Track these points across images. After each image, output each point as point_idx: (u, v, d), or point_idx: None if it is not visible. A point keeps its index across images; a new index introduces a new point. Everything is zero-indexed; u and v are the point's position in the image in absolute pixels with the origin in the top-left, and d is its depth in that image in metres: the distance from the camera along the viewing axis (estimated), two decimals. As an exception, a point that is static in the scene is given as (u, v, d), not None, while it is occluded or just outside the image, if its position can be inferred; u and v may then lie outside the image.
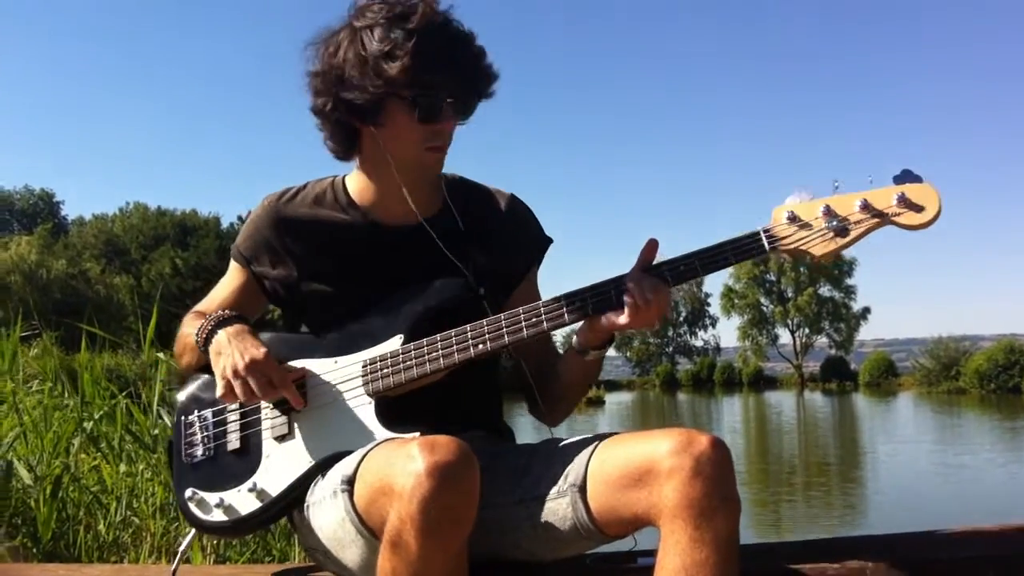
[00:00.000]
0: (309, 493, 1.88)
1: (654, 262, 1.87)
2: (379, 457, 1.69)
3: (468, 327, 1.88)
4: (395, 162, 1.97)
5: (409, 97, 1.88)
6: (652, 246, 1.87)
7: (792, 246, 1.80)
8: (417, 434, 1.79)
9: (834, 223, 1.78)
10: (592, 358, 2.00)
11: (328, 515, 1.78)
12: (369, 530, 1.70)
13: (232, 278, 2.14)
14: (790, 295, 78.16)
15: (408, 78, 1.84)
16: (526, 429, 2.26)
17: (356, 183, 2.08)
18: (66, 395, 4.71)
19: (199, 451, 2.00)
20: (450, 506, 1.54)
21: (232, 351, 1.88)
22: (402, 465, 1.58)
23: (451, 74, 1.87)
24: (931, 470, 16.94)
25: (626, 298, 1.82)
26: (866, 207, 1.76)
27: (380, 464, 1.67)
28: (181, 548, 2.06)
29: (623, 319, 1.83)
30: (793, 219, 1.80)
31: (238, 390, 1.85)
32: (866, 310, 79.08)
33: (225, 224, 60.53)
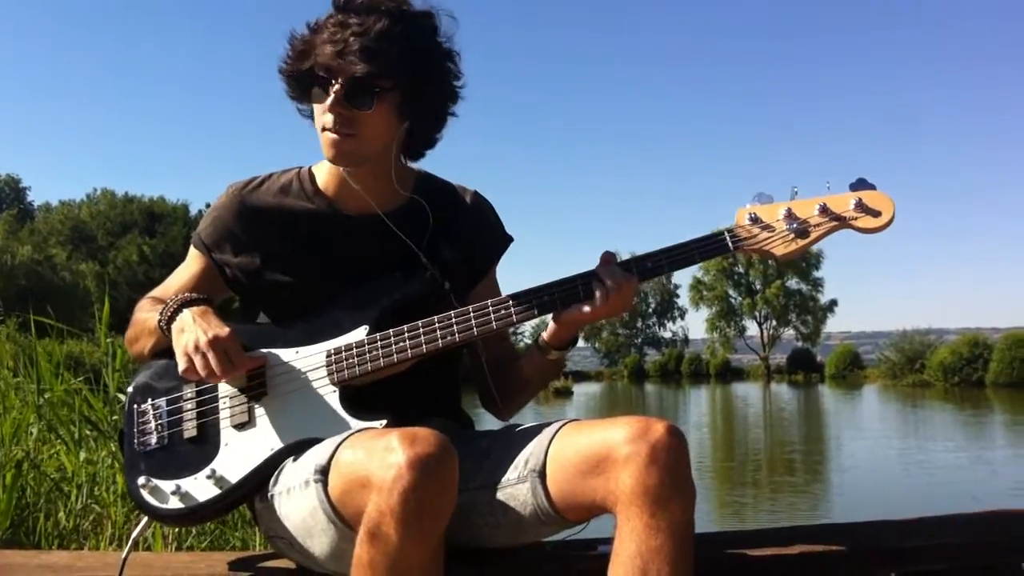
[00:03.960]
0: (273, 480, 1.87)
1: (620, 261, 1.93)
2: (355, 448, 1.69)
3: (436, 318, 1.90)
4: None
5: (301, 74, 1.91)
6: (609, 256, 1.93)
7: (755, 246, 1.90)
8: (384, 422, 1.81)
9: (795, 225, 1.88)
10: (554, 358, 2.04)
11: (298, 504, 1.78)
12: (342, 520, 1.69)
13: (191, 265, 2.12)
14: (758, 287, 78.66)
15: (305, 55, 1.88)
16: (485, 419, 2.27)
17: (323, 172, 2.08)
18: (27, 381, 4.67)
19: (152, 438, 1.98)
20: (430, 498, 1.55)
21: (196, 328, 1.87)
22: (381, 457, 1.58)
23: (341, 57, 1.84)
24: (896, 463, 17.08)
25: (595, 284, 1.87)
26: (825, 211, 1.88)
27: (357, 455, 1.66)
28: (133, 535, 2.04)
29: (590, 308, 1.88)
30: (755, 220, 1.90)
31: (199, 365, 1.84)
32: (833, 303, 79.80)
33: (194, 211, 60.07)
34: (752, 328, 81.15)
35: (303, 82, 1.92)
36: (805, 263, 73.91)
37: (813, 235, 1.88)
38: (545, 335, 2.02)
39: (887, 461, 17.47)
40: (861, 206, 1.85)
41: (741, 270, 78.05)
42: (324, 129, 1.91)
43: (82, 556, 2.51)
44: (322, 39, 1.86)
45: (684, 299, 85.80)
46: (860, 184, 1.88)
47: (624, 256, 2.01)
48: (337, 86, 1.86)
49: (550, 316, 1.97)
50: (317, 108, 1.93)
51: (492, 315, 1.89)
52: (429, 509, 1.55)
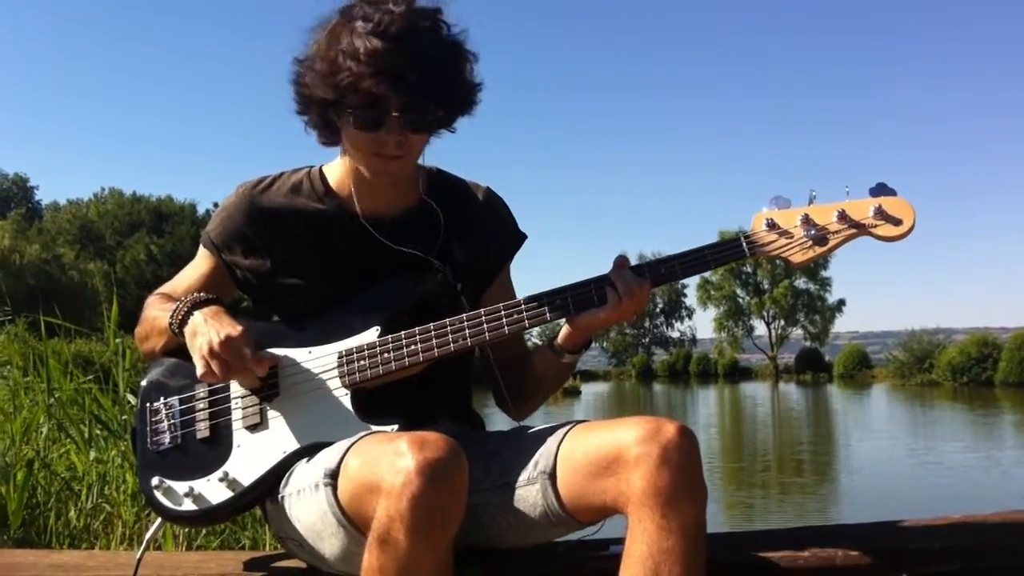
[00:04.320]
0: (284, 483, 1.87)
1: (632, 265, 1.91)
2: (365, 452, 1.68)
3: (448, 321, 1.88)
4: (355, 161, 1.97)
5: (349, 105, 1.85)
6: (622, 260, 1.91)
7: (771, 252, 1.86)
8: (396, 427, 1.81)
9: (812, 232, 1.84)
10: (567, 361, 2.03)
11: (308, 507, 1.77)
12: (352, 524, 1.69)
13: (201, 264, 2.12)
14: (766, 287, 78.59)
15: (353, 86, 1.82)
16: (497, 419, 2.26)
17: (336, 172, 2.06)
18: (36, 381, 4.68)
19: (166, 439, 1.98)
20: (440, 504, 1.54)
21: (209, 330, 1.87)
22: (391, 462, 1.57)
23: (397, 88, 1.81)
24: (907, 464, 17.01)
25: (608, 290, 1.86)
26: (844, 218, 1.83)
27: (366, 460, 1.66)
28: (147, 536, 2.05)
29: (603, 314, 1.86)
30: (772, 226, 1.86)
31: (216, 367, 1.84)
32: (841, 302, 79.77)
33: (201, 211, 60.17)
34: (760, 328, 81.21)
35: (342, 106, 1.87)
36: (813, 263, 73.60)
37: (831, 243, 1.84)
38: (559, 338, 2.01)
39: (898, 462, 17.40)
40: (881, 213, 1.81)
41: (749, 270, 77.95)
42: (374, 153, 1.90)
43: (93, 555, 2.51)
44: (368, 67, 1.79)
45: (692, 299, 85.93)
46: (880, 189, 1.83)
47: (635, 259, 1.99)
48: (394, 115, 1.84)
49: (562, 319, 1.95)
50: (354, 131, 1.88)
51: (504, 319, 1.87)
52: (439, 514, 1.54)
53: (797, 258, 1.85)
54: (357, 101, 1.84)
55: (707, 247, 1.87)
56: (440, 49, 1.87)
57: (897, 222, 1.81)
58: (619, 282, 1.86)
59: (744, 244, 1.86)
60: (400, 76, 1.80)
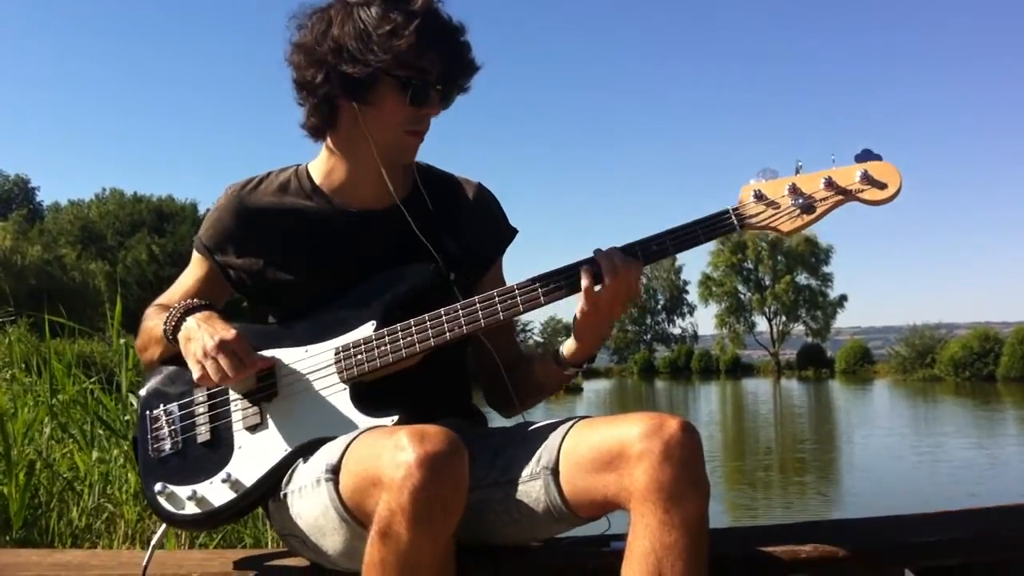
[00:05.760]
0: (286, 480, 1.87)
1: (623, 244, 1.89)
2: (365, 446, 1.68)
3: (443, 311, 1.88)
4: (374, 143, 1.96)
5: (403, 78, 1.88)
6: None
7: (760, 223, 1.86)
8: (396, 418, 1.81)
9: (800, 200, 1.84)
10: (571, 373, 2.03)
11: (310, 503, 1.78)
12: (354, 519, 1.69)
13: (195, 270, 2.12)
14: (767, 283, 78.39)
15: (408, 58, 1.84)
16: (497, 416, 2.26)
17: (321, 168, 2.06)
18: (38, 381, 4.69)
19: (167, 445, 1.98)
20: (440, 496, 1.54)
21: (202, 334, 1.87)
22: (391, 455, 1.57)
23: (445, 61, 1.88)
24: (908, 460, 16.99)
25: (596, 268, 1.84)
26: (830, 184, 1.83)
27: (367, 454, 1.66)
28: (153, 542, 2.03)
29: (596, 288, 1.84)
30: (760, 197, 1.86)
31: (211, 371, 1.84)
32: (843, 298, 79.58)
33: (202, 210, 60.10)
34: (762, 324, 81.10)
35: (374, 82, 1.88)
36: (814, 257, 73.74)
37: (819, 210, 1.84)
38: (565, 351, 2.00)
39: (901, 459, 17.35)
40: (867, 178, 1.81)
41: (750, 265, 77.82)
42: (410, 131, 1.95)
43: (96, 555, 2.51)
44: (416, 40, 1.82)
45: (693, 295, 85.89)
46: (865, 155, 1.83)
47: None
48: (438, 88, 1.91)
49: (569, 336, 1.97)
50: (398, 107, 1.91)
51: (499, 305, 1.87)
52: (439, 507, 1.54)
53: (786, 227, 1.85)
54: (406, 75, 1.87)
55: (697, 222, 1.87)
56: (459, 24, 1.92)
57: (883, 186, 1.81)
58: (605, 260, 1.84)
59: (733, 216, 1.86)
60: (446, 49, 1.88)
